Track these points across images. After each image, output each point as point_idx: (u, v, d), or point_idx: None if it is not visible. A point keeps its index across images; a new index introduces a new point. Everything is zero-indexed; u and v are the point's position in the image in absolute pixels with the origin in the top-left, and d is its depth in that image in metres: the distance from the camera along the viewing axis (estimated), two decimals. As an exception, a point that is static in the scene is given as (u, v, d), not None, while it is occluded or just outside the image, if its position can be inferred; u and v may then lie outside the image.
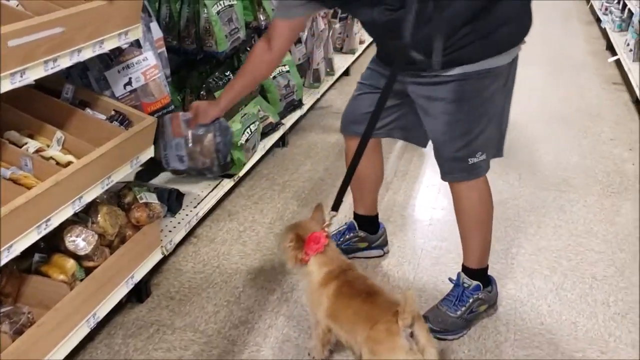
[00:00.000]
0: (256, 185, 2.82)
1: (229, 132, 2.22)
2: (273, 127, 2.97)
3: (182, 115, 2.05)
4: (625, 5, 4.88)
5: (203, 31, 2.41)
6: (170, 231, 2.20)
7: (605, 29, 5.23)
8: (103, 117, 1.72)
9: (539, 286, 2.15)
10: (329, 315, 1.56)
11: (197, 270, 2.22)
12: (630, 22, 4.55)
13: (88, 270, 1.67)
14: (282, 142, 3.18)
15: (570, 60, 4.87)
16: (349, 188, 1.70)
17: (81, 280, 1.63)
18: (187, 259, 2.28)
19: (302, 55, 3.47)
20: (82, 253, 1.64)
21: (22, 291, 1.57)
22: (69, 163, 1.53)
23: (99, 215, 1.72)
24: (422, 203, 2.70)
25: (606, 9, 5.43)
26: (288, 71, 3.11)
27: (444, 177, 1.86)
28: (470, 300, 1.91)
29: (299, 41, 3.42)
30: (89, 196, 1.57)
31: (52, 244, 1.63)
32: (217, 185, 2.55)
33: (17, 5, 1.43)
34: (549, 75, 4.48)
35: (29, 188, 1.39)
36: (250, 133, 2.65)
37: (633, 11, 4.34)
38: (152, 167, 2.30)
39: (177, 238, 2.19)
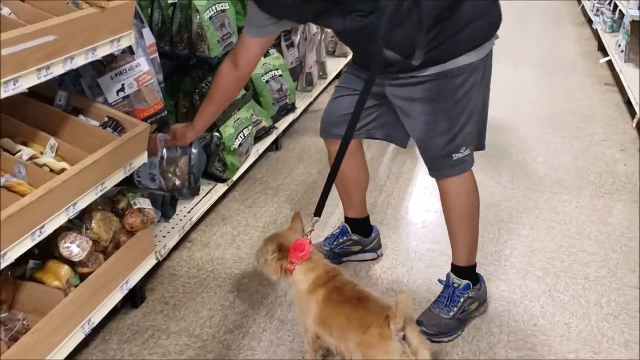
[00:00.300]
0: (250, 190, 2.82)
1: (203, 158, 2.36)
2: (266, 131, 2.98)
3: (160, 136, 2.12)
4: (616, 6, 4.92)
5: (195, 36, 2.42)
6: (164, 236, 2.20)
7: (596, 30, 5.27)
8: (96, 123, 1.73)
9: (532, 287, 2.17)
10: (318, 322, 1.56)
11: (192, 275, 2.22)
12: (621, 23, 4.58)
13: (82, 276, 1.67)
14: (275, 145, 3.19)
15: (561, 61, 4.90)
16: (336, 193, 1.70)
17: (76, 286, 1.63)
18: (182, 263, 2.29)
19: (295, 59, 3.48)
20: (76, 259, 1.64)
21: (17, 298, 1.57)
22: (62, 170, 1.53)
23: (93, 221, 1.72)
24: (415, 206, 2.72)
25: (597, 10, 5.47)
26: (281, 75, 3.12)
27: (431, 173, 1.88)
28: (462, 300, 1.93)
29: (291, 45, 3.43)
30: (83, 202, 1.57)
31: (47, 250, 1.64)
32: (210, 190, 2.56)
33: (10, 14, 1.43)
34: (541, 77, 4.51)
35: (22, 195, 1.39)
36: (243, 137, 2.66)
37: (624, 12, 4.37)
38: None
39: (171, 243, 2.19)
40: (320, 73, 3.85)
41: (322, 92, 3.85)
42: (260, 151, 2.93)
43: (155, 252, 2.02)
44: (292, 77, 3.33)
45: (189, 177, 2.33)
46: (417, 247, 2.39)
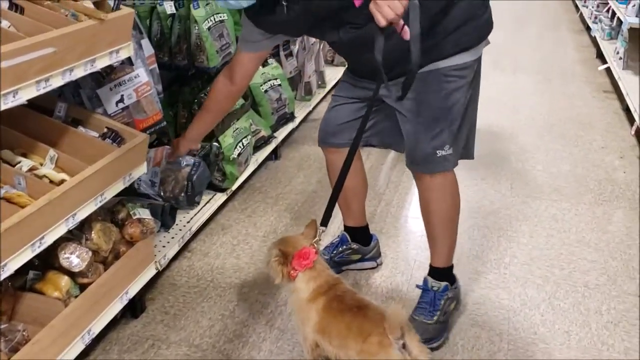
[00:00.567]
0: (249, 199, 2.83)
1: (206, 172, 2.45)
2: (265, 141, 2.99)
3: (166, 149, 2.25)
4: (614, 13, 4.93)
5: (194, 47, 2.43)
6: (164, 246, 2.20)
7: (595, 37, 5.28)
8: (96, 134, 1.74)
9: (531, 295, 2.17)
10: (318, 331, 1.56)
11: (192, 285, 2.22)
12: (619, 30, 4.60)
13: (82, 287, 1.67)
14: (274, 155, 3.19)
15: (560, 68, 4.91)
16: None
17: (76, 296, 1.64)
18: (181, 273, 2.29)
19: (294, 68, 3.49)
20: (76, 270, 1.64)
21: (17, 309, 1.58)
22: (62, 181, 1.54)
23: (93, 232, 1.73)
24: (414, 214, 2.71)
25: (596, 18, 5.49)
26: (280, 84, 3.13)
27: (413, 168, 1.88)
28: (442, 302, 1.93)
29: (290, 54, 3.45)
30: (83, 213, 1.58)
31: (47, 261, 1.64)
32: (210, 200, 2.56)
33: (10, 27, 1.44)
34: (540, 84, 4.52)
35: (22, 207, 1.40)
36: (242, 147, 2.67)
37: (622, 20, 4.39)
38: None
39: (171, 253, 2.20)
40: (319, 82, 3.86)
41: (321, 101, 3.86)
42: (260, 160, 2.94)
43: (155, 262, 2.03)
44: (291, 86, 3.34)
45: (187, 184, 2.36)
46: (417, 256, 2.39)
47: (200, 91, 2.63)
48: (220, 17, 2.55)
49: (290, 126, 3.30)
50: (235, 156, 2.62)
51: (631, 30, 4.20)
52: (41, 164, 1.60)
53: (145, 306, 2.08)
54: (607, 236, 2.54)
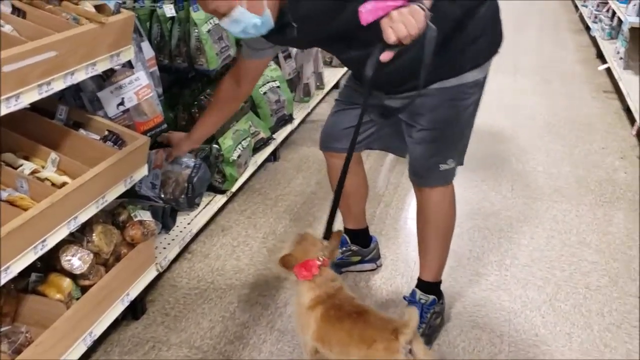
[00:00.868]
0: (249, 200, 2.83)
1: (206, 173, 2.45)
2: (264, 142, 3.00)
3: (167, 150, 2.24)
4: (614, 13, 4.94)
5: (194, 50, 2.44)
6: (164, 248, 2.21)
7: (594, 37, 5.29)
8: (97, 137, 1.74)
9: (532, 297, 2.17)
10: (317, 339, 1.55)
11: (192, 286, 2.23)
12: (619, 30, 4.60)
13: (84, 289, 1.68)
14: (273, 156, 3.20)
15: (560, 69, 4.92)
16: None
17: (77, 299, 1.64)
18: (182, 275, 2.29)
19: (292, 70, 3.50)
20: (77, 272, 1.65)
21: (19, 311, 1.58)
22: (64, 184, 1.54)
23: (94, 234, 1.73)
24: (414, 216, 2.67)
25: (595, 17, 5.49)
26: (278, 86, 3.14)
27: (415, 181, 1.86)
28: (428, 316, 1.93)
29: (289, 56, 3.45)
30: (84, 216, 1.58)
31: (48, 263, 1.65)
32: (210, 201, 2.57)
33: (12, 31, 1.45)
34: (539, 85, 4.52)
35: (25, 209, 1.40)
36: (242, 149, 2.67)
37: (622, 19, 4.39)
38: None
39: (172, 255, 2.20)
40: (318, 84, 3.87)
41: (319, 102, 3.87)
42: (259, 162, 2.94)
43: (156, 263, 2.03)
44: (290, 88, 3.35)
45: (188, 186, 2.37)
46: (417, 258, 2.34)
47: (200, 93, 2.64)
48: (221, 19, 2.55)
49: (289, 128, 3.30)
50: (235, 158, 2.62)
51: (632, 29, 4.20)
52: (43, 167, 1.60)
53: (146, 308, 2.08)
54: (608, 237, 2.54)
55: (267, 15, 1.47)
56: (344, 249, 2.25)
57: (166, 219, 2.28)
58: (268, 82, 3.08)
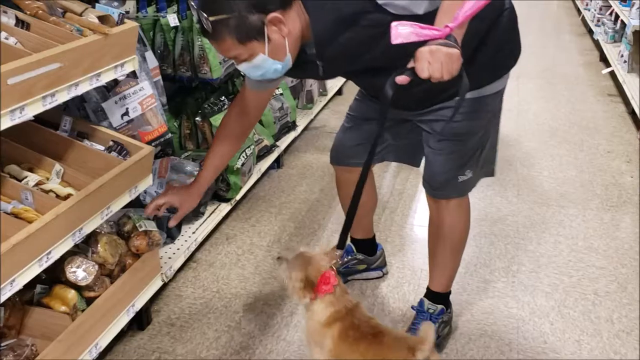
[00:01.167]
0: (253, 208, 2.82)
1: (209, 191, 2.40)
2: (268, 150, 3.00)
3: (171, 159, 2.22)
4: (617, 16, 4.93)
5: (197, 59, 2.44)
6: (169, 257, 2.20)
7: (597, 40, 5.28)
8: (101, 147, 1.73)
9: (540, 304, 2.15)
10: (333, 357, 1.49)
11: (197, 296, 2.22)
12: (623, 33, 4.59)
13: (89, 301, 1.67)
14: (277, 163, 3.19)
15: (563, 73, 4.90)
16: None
17: (82, 310, 1.63)
18: (187, 284, 2.28)
19: (296, 77, 3.50)
20: (82, 283, 1.64)
21: (25, 323, 1.57)
22: (68, 195, 1.54)
23: (99, 245, 1.72)
24: (419, 222, 2.71)
25: (598, 21, 5.48)
26: (282, 94, 3.14)
27: (433, 193, 1.82)
28: (437, 325, 1.91)
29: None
30: (89, 227, 1.57)
31: (53, 274, 1.64)
32: (214, 210, 2.56)
33: (16, 43, 1.44)
34: (543, 89, 4.51)
35: (30, 222, 1.40)
36: (246, 157, 2.67)
37: (626, 22, 4.38)
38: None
39: (177, 264, 2.19)
40: (321, 90, 3.86)
41: (322, 109, 3.87)
42: (263, 170, 2.94)
43: (161, 274, 2.02)
44: (293, 95, 3.35)
45: None
46: (423, 265, 2.36)
47: (204, 102, 2.64)
48: (224, 27, 2.55)
49: (292, 135, 3.30)
50: (239, 166, 2.62)
51: (635, 32, 4.19)
52: (47, 179, 1.60)
53: (151, 318, 2.07)
54: (616, 242, 2.52)
55: (288, 59, 1.44)
56: (350, 257, 2.24)
57: (171, 229, 2.27)
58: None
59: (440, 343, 1.94)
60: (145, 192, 2.12)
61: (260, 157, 2.94)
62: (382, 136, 1.68)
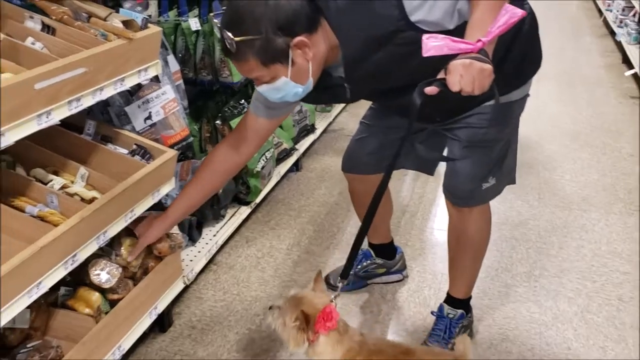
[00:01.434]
0: (272, 211, 2.83)
1: (231, 185, 2.43)
2: (287, 153, 3.00)
3: (192, 162, 2.21)
4: (640, 17, 4.86)
5: (218, 62, 2.45)
6: (191, 260, 2.21)
7: (620, 42, 5.20)
8: (125, 151, 1.75)
9: (563, 309, 2.12)
10: None
11: (218, 298, 2.23)
12: (646, 34, 4.53)
13: (112, 303, 1.68)
14: (296, 166, 3.20)
15: (584, 75, 4.84)
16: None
17: (106, 313, 1.65)
18: (208, 286, 2.29)
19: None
20: (106, 286, 1.66)
21: (49, 325, 1.59)
22: (93, 199, 1.55)
23: (122, 248, 1.73)
24: (440, 226, 2.69)
25: (621, 22, 5.40)
26: (302, 97, 3.14)
27: (455, 202, 1.79)
28: (457, 330, 1.90)
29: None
30: (113, 230, 1.59)
31: (77, 277, 1.66)
32: (235, 213, 2.57)
33: (42, 48, 1.47)
34: (564, 91, 4.46)
35: (55, 225, 1.41)
36: (265, 160, 2.68)
37: (648, 24, 4.31)
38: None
39: (198, 267, 2.21)
40: (341, 93, 3.86)
41: (341, 112, 3.87)
42: (282, 173, 2.94)
43: (183, 276, 2.03)
44: (313, 98, 3.34)
45: (213, 199, 2.38)
46: (444, 269, 2.33)
47: (224, 105, 2.65)
48: (244, 31, 2.56)
49: (311, 138, 3.30)
50: (259, 169, 2.63)
51: (659, 34, 4.13)
52: (72, 182, 1.61)
53: (172, 320, 2.09)
54: (640, 247, 2.48)
55: (310, 83, 1.40)
56: (369, 261, 2.23)
57: (192, 232, 2.29)
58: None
59: None
60: (167, 195, 2.13)
61: (279, 160, 2.95)
62: (396, 136, 1.65)
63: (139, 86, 1.83)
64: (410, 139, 1.81)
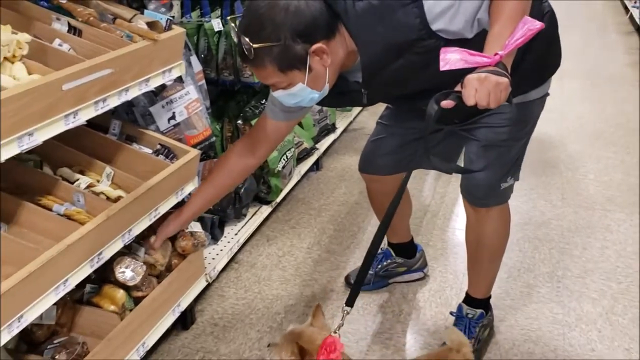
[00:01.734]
0: (293, 210, 2.84)
1: (253, 184, 2.46)
2: (308, 152, 3.01)
3: (214, 162, 2.19)
4: (666, 14, 4.77)
5: (240, 63, 2.47)
6: (213, 258, 2.24)
7: (645, 39, 5.11)
8: (149, 151, 1.78)
9: (587, 310, 2.10)
10: None
11: (239, 297, 2.24)
12: (672, 32, 4.43)
13: (137, 300, 1.71)
14: (316, 166, 3.20)
15: (609, 72, 4.76)
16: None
17: (130, 310, 1.67)
18: (229, 284, 2.31)
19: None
20: (131, 284, 1.68)
21: (75, 321, 1.62)
22: (118, 198, 1.58)
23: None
24: (462, 226, 2.63)
25: (646, 19, 5.31)
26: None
27: (475, 202, 1.78)
28: (477, 330, 1.88)
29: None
30: (138, 229, 1.61)
31: (102, 274, 1.69)
32: (256, 212, 2.59)
33: (69, 50, 1.50)
34: (588, 90, 4.39)
35: (82, 223, 1.44)
36: (286, 160, 2.69)
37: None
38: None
39: (220, 265, 2.23)
40: (361, 92, 3.86)
41: (361, 111, 3.86)
42: (302, 172, 2.95)
43: (206, 274, 2.06)
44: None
45: (235, 198, 2.40)
46: (465, 269, 2.32)
47: (245, 105, 2.67)
48: (265, 31, 2.58)
49: (331, 137, 3.31)
50: (280, 169, 2.64)
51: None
52: (98, 181, 1.64)
53: (195, 318, 2.11)
54: (666, 248, 2.44)
55: (326, 89, 1.40)
56: (389, 261, 2.23)
57: (214, 230, 2.31)
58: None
59: (481, 347, 1.91)
60: (190, 194, 2.16)
61: (300, 159, 2.96)
62: (413, 137, 1.63)
63: (163, 86, 1.86)
64: (426, 148, 1.81)
